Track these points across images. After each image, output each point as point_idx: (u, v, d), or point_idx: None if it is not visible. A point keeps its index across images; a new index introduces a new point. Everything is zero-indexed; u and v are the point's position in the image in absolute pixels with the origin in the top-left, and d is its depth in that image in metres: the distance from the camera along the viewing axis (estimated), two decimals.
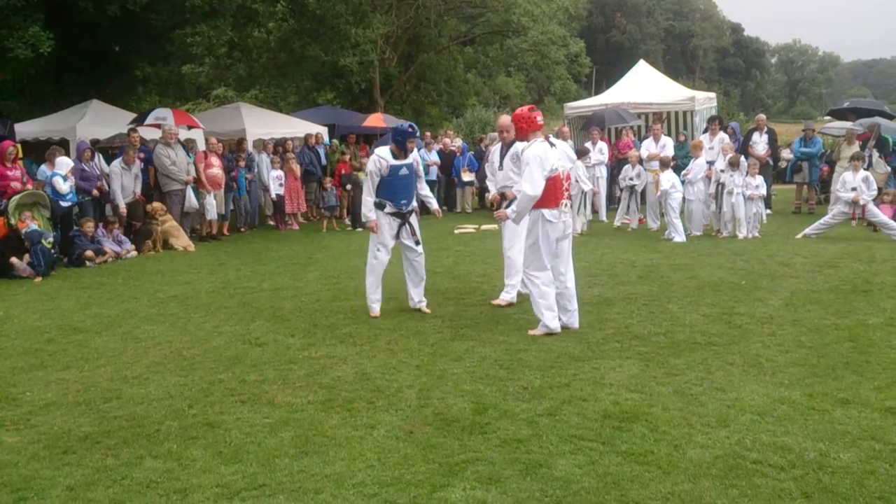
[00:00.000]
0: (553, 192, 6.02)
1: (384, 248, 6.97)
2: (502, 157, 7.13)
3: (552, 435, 4.09)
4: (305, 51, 18.54)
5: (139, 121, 13.25)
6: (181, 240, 11.64)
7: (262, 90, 27.00)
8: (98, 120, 13.91)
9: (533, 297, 6.17)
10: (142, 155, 12.13)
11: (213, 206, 12.56)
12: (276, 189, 14.02)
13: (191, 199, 12.23)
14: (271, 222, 14.62)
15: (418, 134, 7.16)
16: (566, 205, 6.18)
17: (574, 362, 5.34)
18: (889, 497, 3.36)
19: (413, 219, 7.04)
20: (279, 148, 14.48)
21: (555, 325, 6.08)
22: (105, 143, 13.18)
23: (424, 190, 7.37)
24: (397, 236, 6.96)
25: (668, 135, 14.80)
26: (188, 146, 12.77)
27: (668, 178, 11.52)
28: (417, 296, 7.12)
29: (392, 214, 6.92)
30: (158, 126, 12.69)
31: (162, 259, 10.81)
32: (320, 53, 18.29)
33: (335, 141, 16.88)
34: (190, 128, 13.66)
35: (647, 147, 13.35)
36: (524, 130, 6.22)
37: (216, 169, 12.66)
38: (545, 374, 5.11)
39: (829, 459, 3.71)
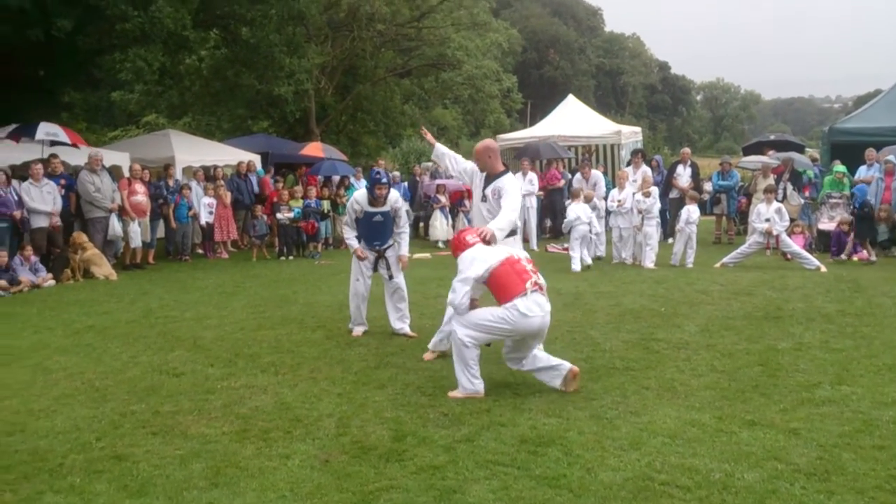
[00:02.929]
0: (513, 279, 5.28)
1: (362, 277, 7.24)
2: (484, 187, 6.38)
3: (469, 461, 4.10)
4: (239, 79, 18.38)
5: (23, 133, 12.31)
6: (103, 268, 11.28)
7: (195, 118, 26.60)
8: (16, 145, 13.41)
9: (456, 356, 5.34)
10: (63, 182, 11.76)
11: (137, 233, 12.25)
12: (205, 217, 13.78)
13: (115, 226, 11.90)
14: (200, 250, 14.32)
15: (385, 180, 7.10)
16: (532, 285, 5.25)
17: (495, 388, 5.38)
18: None
19: (390, 253, 7.24)
20: (209, 174, 14.28)
21: (478, 388, 5.29)
22: (22, 168, 12.71)
23: (400, 232, 7.31)
24: (375, 268, 7.23)
25: (597, 166, 15.28)
26: (112, 172, 12.45)
27: (574, 210, 11.78)
28: (397, 323, 7.23)
29: (368, 249, 7.22)
30: (52, 143, 12.19)
31: (81, 288, 10.45)
32: (254, 82, 18.16)
33: (291, 176, 16.76)
34: (78, 146, 13.12)
35: (577, 183, 13.69)
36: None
37: (141, 196, 12.38)
38: (466, 400, 5.14)
39: (733, 480, 3.83)
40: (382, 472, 4.00)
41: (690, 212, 11.76)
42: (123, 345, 7.01)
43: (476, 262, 5.30)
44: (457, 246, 5.58)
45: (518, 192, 6.25)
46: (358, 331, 7.31)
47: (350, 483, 3.86)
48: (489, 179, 6.25)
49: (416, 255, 13.18)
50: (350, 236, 7.34)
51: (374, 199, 7.06)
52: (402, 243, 7.33)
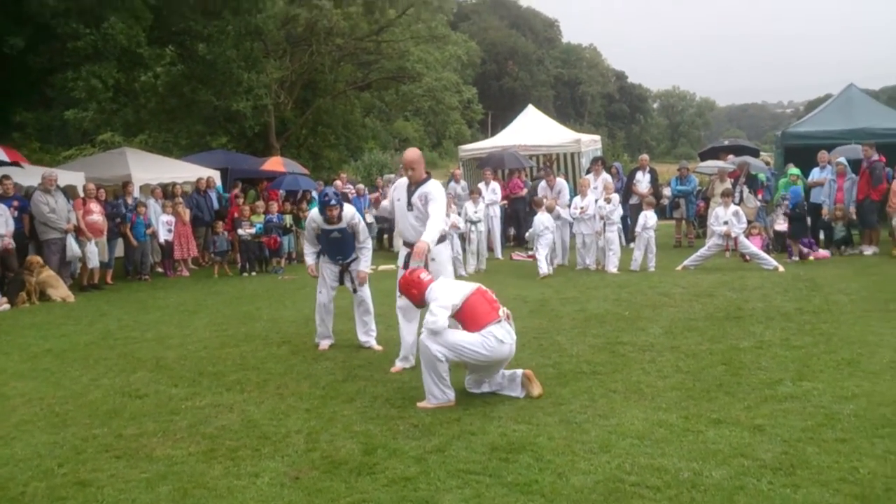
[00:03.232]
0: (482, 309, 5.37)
1: (325, 289, 7.26)
2: (410, 194, 6.49)
3: (440, 471, 4.09)
4: (196, 95, 18.16)
5: None
6: (59, 290, 11.01)
7: (152, 135, 26.22)
8: None
9: (427, 369, 5.29)
10: (16, 203, 11.47)
11: (94, 253, 12.00)
12: (164, 234, 13.57)
13: (72, 247, 11.64)
14: (160, 269, 14.08)
15: (334, 203, 6.93)
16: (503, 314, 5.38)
17: (465, 397, 5.38)
18: None
19: (353, 266, 7.23)
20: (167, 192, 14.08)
21: (450, 396, 5.30)
22: None
23: (361, 247, 7.21)
24: (342, 282, 7.26)
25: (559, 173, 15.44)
26: (67, 192, 12.19)
27: (541, 221, 11.90)
28: (365, 335, 7.23)
29: (332, 262, 7.25)
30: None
31: (37, 311, 10.18)
32: (212, 98, 17.97)
33: (252, 191, 16.60)
34: (21, 165, 12.83)
35: (542, 191, 13.79)
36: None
37: (96, 216, 12.14)
38: (436, 410, 5.12)
39: (701, 478, 3.88)
40: (354, 486, 3.96)
41: (647, 217, 11.94)
42: (83, 368, 6.85)
43: (451, 290, 5.39)
44: (412, 285, 5.56)
45: (444, 197, 6.47)
46: (324, 344, 7.28)
47: (321, 499, 3.81)
48: (414, 187, 6.38)
49: (382, 267, 13.12)
50: (308, 252, 7.35)
51: (327, 219, 7.00)
52: (361, 259, 7.20)
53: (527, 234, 12.32)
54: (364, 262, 7.23)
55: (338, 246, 7.14)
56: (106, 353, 7.41)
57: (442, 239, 6.42)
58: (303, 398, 5.57)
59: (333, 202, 6.90)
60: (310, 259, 7.33)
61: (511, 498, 3.73)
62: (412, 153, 6.52)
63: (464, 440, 4.54)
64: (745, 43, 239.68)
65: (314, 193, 15.73)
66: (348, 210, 7.10)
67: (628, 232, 14.22)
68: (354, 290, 7.23)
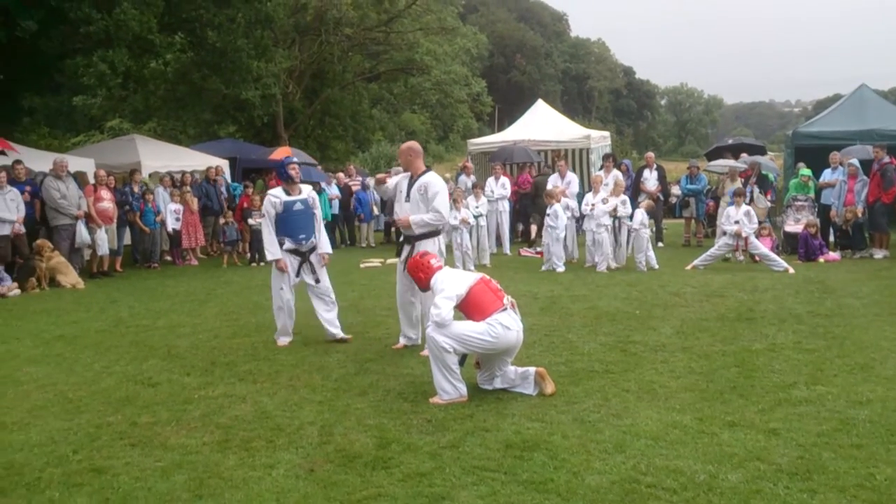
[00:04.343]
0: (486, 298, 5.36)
1: (286, 287, 7.07)
2: (409, 187, 6.69)
3: (455, 467, 4.09)
4: (205, 83, 18.15)
5: None
6: (69, 277, 11.04)
7: (160, 122, 26.22)
8: None
9: (435, 363, 5.28)
10: (28, 188, 11.48)
11: (104, 241, 12.01)
12: (172, 223, 13.58)
13: (82, 234, 11.66)
14: (168, 258, 14.10)
15: (297, 160, 7.30)
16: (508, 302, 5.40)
17: (477, 394, 5.38)
18: None
19: (314, 257, 7.10)
20: (177, 180, 14.09)
21: (462, 391, 5.29)
22: None
23: (319, 225, 7.25)
24: (298, 274, 7.06)
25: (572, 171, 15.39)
26: (78, 179, 12.20)
27: (556, 213, 11.86)
28: (332, 326, 7.12)
29: (292, 252, 7.01)
30: None
31: (48, 297, 10.21)
32: (221, 86, 17.95)
33: (260, 181, 16.59)
34: (5, 153, 12.82)
35: (553, 182, 13.77)
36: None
37: (107, 203, 12.15)
38: (449, 406, 5.12)
39: (717, 481, 3.87)
40: (369, 480, 3.96)
41: (642, 215, 11.88)
42: (95, 354, 6.87)
43: (455, 280, 5.41)
44: (420, 268, 5.62)
45: (447, 191, 6.67)
46: (283, 341, 7.11)
47: (337, 492, 3.82)
48: (413, 179, 6.62)
49: (390, 261, 13.14)
50: (271, 241, 6.97)
51: (290, 186, 7.00)
52: (321, 240, 7.18)
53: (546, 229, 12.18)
54: (325, 244, 7.22)
55: (301, 221, 6.99)
56: (118, 341, 7.43)
57: (435, 233, 6.57)
58: (315, 390, 5.58)
59: (296, 159, 7.23)
60: (276, 251, 6.94)
61: (527, 496, 3.73)
62: (403, 145, 6.84)
63: (478, 437, 4.54)
64: (754, 40, 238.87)
65: (323, 185, 15.73)
66: (305, 186, 7.24)
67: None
68: (317, 281, 7.06)
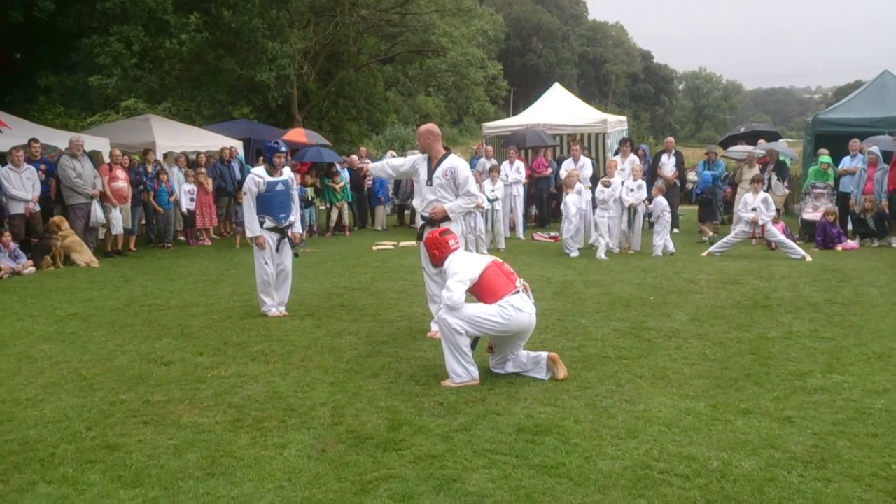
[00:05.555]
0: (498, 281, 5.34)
1: (269, 262, 7.46)
2: (431, 171, 6.56)
3: (467, 450, 4.08)
4: (220, 63, 18.11)
5: None
6: (84, 255, 11.11)
7: (175, 103, 26.24)
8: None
9: (447, 346, 5.25)
10: (44, 167, 11.54)
11: (118, 220, 12.07)
12: (186, 203, 13.62)
13: (97, 213, 11.71)
14: (182, 237, 14.15)
15: (284, 149, 7.54)
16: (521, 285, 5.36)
17: (489, 377, 5.36)
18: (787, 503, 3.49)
19: (291, 232, 7.59)
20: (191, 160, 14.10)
21: (474, 374, 5.25)
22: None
23: (295, 206, 7.72)
24: (278, 249, 7.46)
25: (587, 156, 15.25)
26: (93, 158, 12.24)
27: (573, 201, 11.82)
28: (279, 297, 7.56)
29: (272, 229, 7.41)
30: None
31: (63, 275, 10.28)
32: (235, 67, 17.91)
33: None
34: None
35: (567, 167, 13.67)
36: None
37: (122, 182, 12.20)
38: (461, 389, 5.10)
39: (731, 468, 3.84)
40: (380, 461, 3.96)
41: (662, 202, 11.78)
42: (109, 333, 6.91)
43: (468, 263, 5.40)
44: (436, 245, 5.61)
45: (472, 174, 6.67)
46: (274, 312, 7.49)
47: (348, 472, 3.81)
48: (435, 162, 6.54)
49: (403, 244, 13.13)
50: (251, 218, 7.37)
51: (273, 168, 7.38)
52: (297, 220, 7.76)
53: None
54: (299, 224, 7.94)
55: (282, 200, 7.44)
56: (131, 319, 7.47)
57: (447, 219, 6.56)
58: (327, 371, 5.58)
59: (284, 149, 7.46)
60: (256, 227, 7.35)
61: (538, 480, 3.71)
62: (422, 127, 6.86)
63: (489, 420, 4.52)
64: (773, 25, 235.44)
65: (338, 167, 15.69)
66: (286, 169, 7.66)
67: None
68: (296, 255, 7.64)
